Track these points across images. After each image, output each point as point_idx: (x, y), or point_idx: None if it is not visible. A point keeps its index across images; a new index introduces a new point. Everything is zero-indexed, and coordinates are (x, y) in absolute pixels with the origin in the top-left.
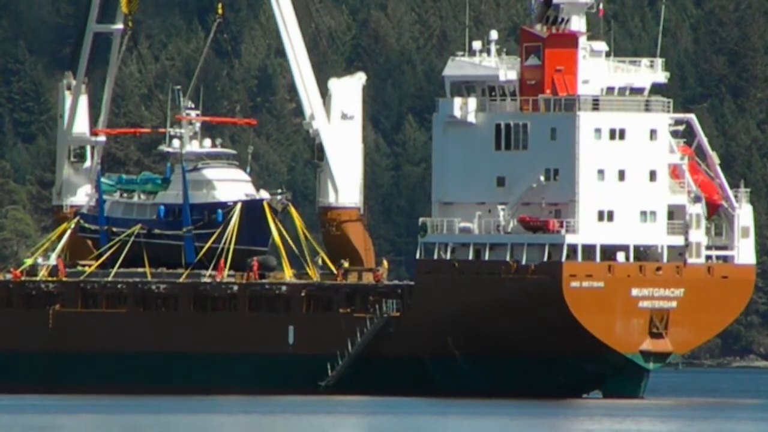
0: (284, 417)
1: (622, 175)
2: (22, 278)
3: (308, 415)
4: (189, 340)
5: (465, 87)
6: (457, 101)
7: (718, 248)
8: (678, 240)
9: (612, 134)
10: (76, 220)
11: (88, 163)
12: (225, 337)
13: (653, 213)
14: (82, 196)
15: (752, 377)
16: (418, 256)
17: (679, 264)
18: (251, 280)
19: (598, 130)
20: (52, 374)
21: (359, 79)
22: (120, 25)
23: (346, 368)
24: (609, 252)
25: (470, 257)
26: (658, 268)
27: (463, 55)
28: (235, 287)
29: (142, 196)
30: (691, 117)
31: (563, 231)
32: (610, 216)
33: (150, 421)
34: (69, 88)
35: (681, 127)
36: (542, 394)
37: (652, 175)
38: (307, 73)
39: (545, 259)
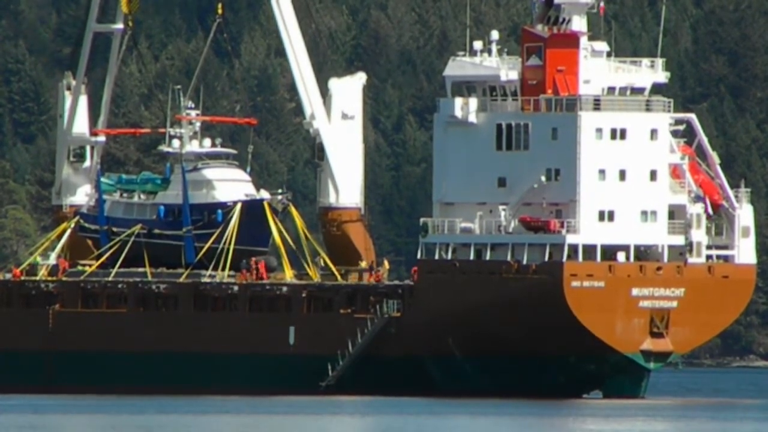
0: (284, 417)
1: (622, 175)
2: (22, 278)
3: (308, 415)
4: (189, 340)
5: (466, 87)
6: (458, 101)
7: (718, 248)
8: (678, 240)
9: (613, 134)
10: (76, 219)
11: (87, 163)
12: (225, 337)
13: (654, 213)
14: (82, 195)
15: (752, 377)
16: (419, 256)
17: (679, 264)
18: (257, 280)
19: (599, 130)
20: (52, 374)
21: (359, 79)
22: (120, 25)
23: (346, 368)
24: (610, 252)
25: (471, 257)
26: (659, 268)
27: (464, 55)
28: (236, 287)
29: (142, 196)
30: (692, 117)
31: (564, 231)
32: (611, 216)
33: (150, 422)
34: (69, 88)
35: (681, 127)
36: (542, 394)
37: (653, 175)
38: (307, 73)
39: (546, 259)
